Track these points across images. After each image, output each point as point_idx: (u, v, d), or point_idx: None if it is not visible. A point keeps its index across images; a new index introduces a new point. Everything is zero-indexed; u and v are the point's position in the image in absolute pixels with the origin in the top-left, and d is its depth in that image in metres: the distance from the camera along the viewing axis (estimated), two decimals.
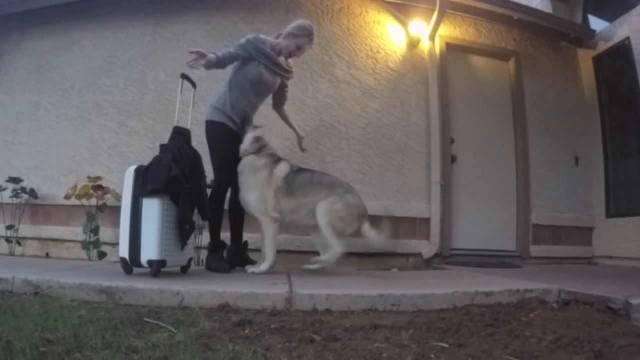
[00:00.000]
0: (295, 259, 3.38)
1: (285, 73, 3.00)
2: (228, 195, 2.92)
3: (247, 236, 3.06)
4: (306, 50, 2.95)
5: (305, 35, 2.87)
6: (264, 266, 2.69)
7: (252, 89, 2.88)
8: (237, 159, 2.80)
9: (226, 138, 2.82)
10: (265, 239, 2.74)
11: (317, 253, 3.21)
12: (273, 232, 2.72)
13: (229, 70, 2.93)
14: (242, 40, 2.83)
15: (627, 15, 4.32)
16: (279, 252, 3.49)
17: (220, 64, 2.73)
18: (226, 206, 2.92)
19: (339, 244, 2.70)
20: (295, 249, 3.50)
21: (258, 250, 3.04)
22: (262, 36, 2.90)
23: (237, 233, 3.01)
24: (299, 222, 2.82)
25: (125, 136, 3.82)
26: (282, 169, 2.77)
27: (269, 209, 2.70)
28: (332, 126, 3.88)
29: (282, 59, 2.94)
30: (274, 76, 2.94)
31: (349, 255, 2.98)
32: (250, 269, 2.71)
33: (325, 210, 2.70)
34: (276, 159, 2.82)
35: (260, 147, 2.80)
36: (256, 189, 2.71)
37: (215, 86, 3.77)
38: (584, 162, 4.55)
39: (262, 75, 2.85)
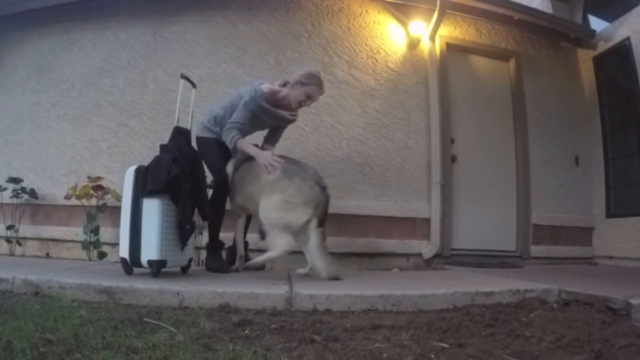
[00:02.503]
0: (295, 259, 3.37)
1: (287, 123, 2.97)
2: None
3: (247, 236, 3.05)
4: (317, 99, 2.82)
5: (315, 84, 2.72)
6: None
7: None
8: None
9: (218, 147, 2.85)
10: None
11: None
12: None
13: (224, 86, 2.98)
14: (247, 97, 2.70)
15: (627, 15, 4.32)
16: None
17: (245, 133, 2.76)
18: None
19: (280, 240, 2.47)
20: (295, 248, 3.49)
21: (258, 251, 3.03)
22: (265, 88, 2.75)
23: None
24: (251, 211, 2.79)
25: (125, 136, 3.81)
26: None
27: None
28: (332, 126, 3.88)
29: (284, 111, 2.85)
30: (272, 121, 2.91)
31: (349, 255, 2.98)
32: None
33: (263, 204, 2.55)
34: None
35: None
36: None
37: (215, 86, 3.80)
38: (584, 162, 4.55)
39: (261, 121, 2.84)
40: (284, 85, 2.83)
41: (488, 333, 1.57)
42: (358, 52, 4.04)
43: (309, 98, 2.76)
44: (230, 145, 2.74)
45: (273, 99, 2.78)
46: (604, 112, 4.54)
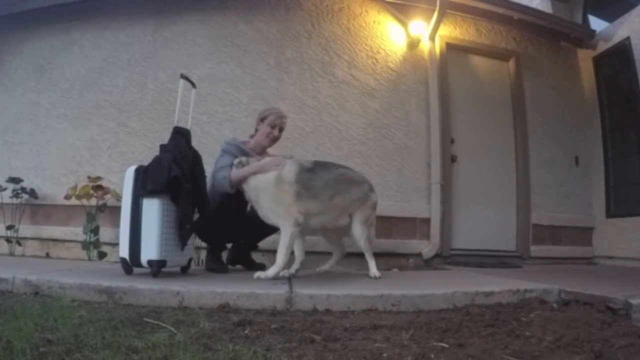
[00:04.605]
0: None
1: None
2: None
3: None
4: (279, 125, 2.90)
5: (272, 112, 2.90)
6: (270, 270, 2.43)
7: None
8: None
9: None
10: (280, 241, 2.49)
11: (316, 253, 3.21)
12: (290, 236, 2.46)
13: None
14: (223, 145, 2.84)
15: (627, 15, 4.32)
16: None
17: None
18: None
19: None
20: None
21: (261, 251, 3.04)
22: (239, 139, 2.94)
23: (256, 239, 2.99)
24: (328, 225, 2.66)
25: (125, 136, 3.81)
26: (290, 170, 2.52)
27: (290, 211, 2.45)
28: (332, 126, 3.88)
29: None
30: None
31: (349, 255, 2.98)
32: (256, 274, 2.41)
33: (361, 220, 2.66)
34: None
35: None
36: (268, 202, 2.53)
37: (215, 86, 3.80)
38: (584, 162, 4.55)
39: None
40: (252, 137, 2.97)
41: (488, 333, 1.57)
42: (358, 52, 4.04)
43: (274, 126, 2.90)
44: (232, 186, 2.60)
45: (247, 148, 2.87)
46: (604, 112, 4.54)
